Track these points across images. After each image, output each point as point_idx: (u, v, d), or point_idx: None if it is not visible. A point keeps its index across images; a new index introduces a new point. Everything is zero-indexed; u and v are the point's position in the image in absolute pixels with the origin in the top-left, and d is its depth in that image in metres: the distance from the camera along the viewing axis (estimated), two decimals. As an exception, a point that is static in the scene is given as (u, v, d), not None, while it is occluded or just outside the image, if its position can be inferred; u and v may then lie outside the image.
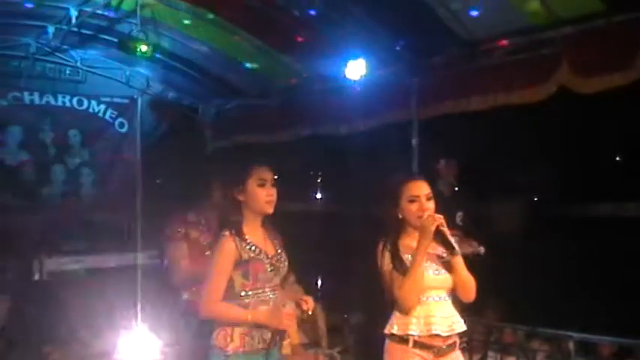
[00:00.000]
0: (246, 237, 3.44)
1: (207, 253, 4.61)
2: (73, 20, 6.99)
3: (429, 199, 3.52)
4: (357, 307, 7.54)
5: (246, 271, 3.40)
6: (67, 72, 8.93)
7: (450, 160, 5.85)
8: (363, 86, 6.16)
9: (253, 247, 3.44)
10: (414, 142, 6.06)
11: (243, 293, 3.41)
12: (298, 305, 3.56)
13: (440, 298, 3.52)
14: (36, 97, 8.95)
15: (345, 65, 5.92)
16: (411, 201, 3.52)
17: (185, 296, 4.66)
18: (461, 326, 3.53)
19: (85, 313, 7.47)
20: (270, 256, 3.48)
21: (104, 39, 7.78)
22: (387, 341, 3.53)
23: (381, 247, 3.55)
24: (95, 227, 8.29)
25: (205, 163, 8.90)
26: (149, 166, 9.43)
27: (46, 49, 8.23)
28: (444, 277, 3.52)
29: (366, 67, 5.87)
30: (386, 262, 3.49)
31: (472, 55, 5.60)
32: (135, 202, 9.34)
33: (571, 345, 5.45)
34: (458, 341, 3.54)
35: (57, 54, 8.50)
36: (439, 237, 3.44)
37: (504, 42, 5.41)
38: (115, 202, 9.28)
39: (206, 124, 9.33)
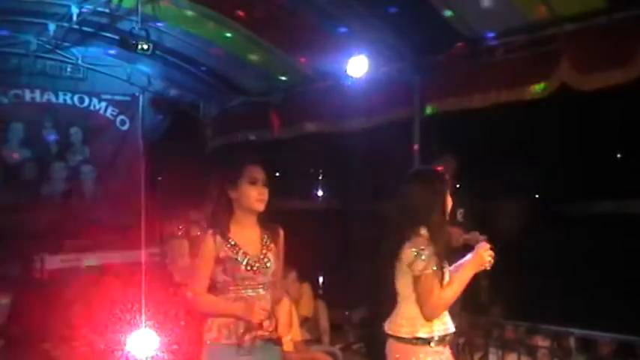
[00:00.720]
0: (229, 236, 3.52)
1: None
2: (74, 18, 6.99)
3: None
4: (358, 304, 7.54)
5: (225, 268, 3.47)
6: (68, 69, 8.92)
7: (448, 157, 5.75)
8: (365, 84, 6.15)
9: (233, 247, 3.49)
10: (416, 139, 6.04)
11: (223, 289, 3.49)
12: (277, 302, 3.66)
13: None
14: (37, 94, 8.94)
15: (348, 63, 5.92)
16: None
17: (186, 292, 4.68)
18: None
19: (86, 311, 7.49)
20: (248, 257, 3.50)
21: (105, 36, 7.76)
22: (402, 344, 3.39)
23: (421, 245, 3.29)
24: (96, 225, 8.29)
25: (206, 160, 8.91)
26: (150, 163, 9.44)
27: (47, 46, 8.22)
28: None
29: (368, 64, 5.86)
30: (425, 263, 3.27)
31: (474, 53, 5.59)
32: (136, 200, 9.35)
33: (572, 341, 5.46)
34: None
35: (58, 51, 8.49)
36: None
37: (506, 39, 5.40)
38: (116, 199, 9.29)
39: (207, 121, 9.33)
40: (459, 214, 5.08)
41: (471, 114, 5.91)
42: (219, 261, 3.48)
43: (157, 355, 5.94)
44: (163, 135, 9.64)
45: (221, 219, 3.56)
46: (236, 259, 3.49)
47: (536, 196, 11.46)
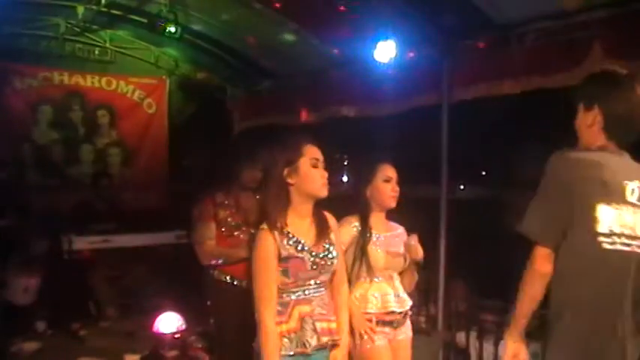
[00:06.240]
0: (289, 230, 3.09)
1: (235, 233, 4.65)
2: (103, 0, 7.01)
3: (398, 183, 3.84)
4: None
5: (286, 269, 2.98)
6: (96, 52, 8.96)
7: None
8: (394, 68, 6.08)
9: (296, 243, 3.04)
10: (444, 125, 5.95)
11: (280, 292, 3.00)
12: None
13: (392, 277, 3.74)
14: (65, 77, 9.01)
15: (375, 47, 5.85)
16: (386, 181, 3.82)
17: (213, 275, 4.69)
18: (409, 302, 3.77)
19: (112, 292, 7.57)
20: (313, 253, 3.07)
21: (133, 19, 7.78)
22: None
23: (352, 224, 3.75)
24: (123, 207, 8.36)
25: (233, 143, 8.91)
26: (177, 146, 9.49)
27: (76, 29, 8.27)
28: (399, 258, 3.76)
29: (397, 48, 5.79)
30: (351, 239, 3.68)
31: (504, 38, 5.50)
32: (163, 182, 9.41)
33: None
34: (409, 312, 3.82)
35: (86, 34, 8.54)
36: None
37: (537, 25, 5.31)
38: (143, 181, 9.35)
39: (234, 105, 9.31)
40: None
41: (499, 101, 5.82)
42: (280, 262, 2.97)
43: (182, 336, 6.00)
44: (190, 118, 9.68)
45: (279, 210, 3.04)
46: (302, 258, 3.01)
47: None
